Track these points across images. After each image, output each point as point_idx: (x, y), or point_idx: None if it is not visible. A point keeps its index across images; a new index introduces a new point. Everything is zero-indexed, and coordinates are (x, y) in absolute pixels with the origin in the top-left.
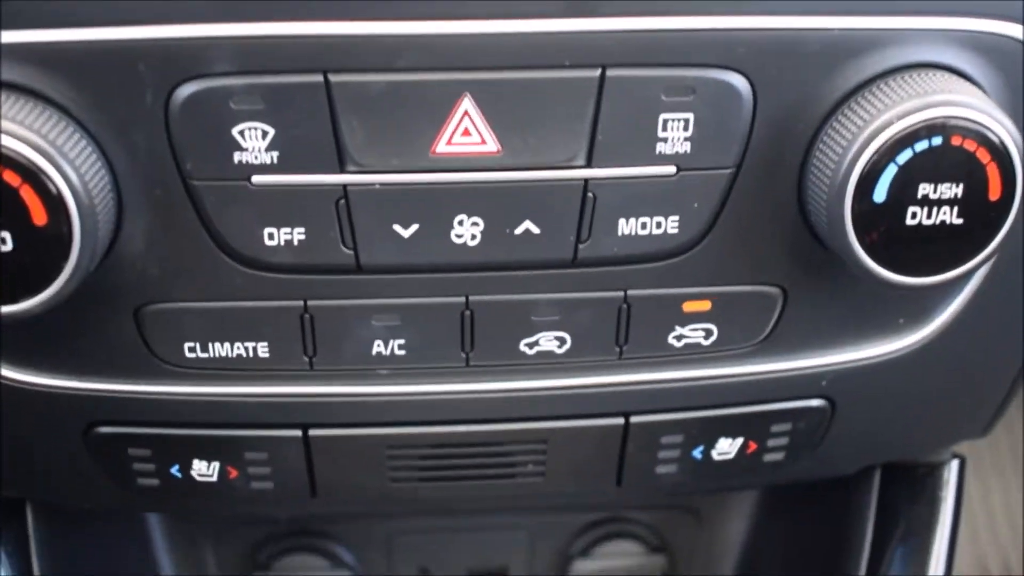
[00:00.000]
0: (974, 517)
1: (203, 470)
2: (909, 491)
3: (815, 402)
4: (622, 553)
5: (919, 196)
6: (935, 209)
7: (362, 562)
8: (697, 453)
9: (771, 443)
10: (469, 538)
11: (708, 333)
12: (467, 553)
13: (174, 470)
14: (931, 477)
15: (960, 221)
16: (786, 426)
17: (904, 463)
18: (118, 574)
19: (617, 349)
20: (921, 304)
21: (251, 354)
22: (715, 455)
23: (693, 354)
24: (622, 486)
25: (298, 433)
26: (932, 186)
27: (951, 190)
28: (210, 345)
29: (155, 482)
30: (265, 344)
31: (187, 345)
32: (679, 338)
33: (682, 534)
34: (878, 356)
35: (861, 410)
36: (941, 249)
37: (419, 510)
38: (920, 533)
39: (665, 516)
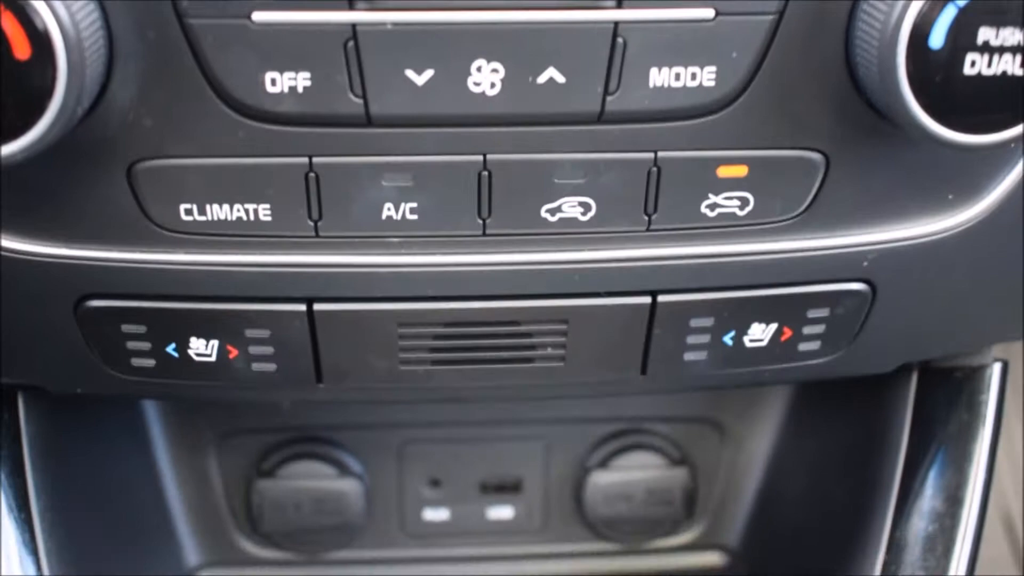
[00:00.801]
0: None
1: (201, 349)
2: (948, 396)
3: (855, 285)
4: (641, 466)
5: (979, 42)
6: (996, 57)
7: (371, 471)
8: (728, 339)
9: (807, 331)
10: (482, 449)
11: (744, 202)
12: (479, 465)
13: (170, 349)
14: (971, 381)
15: (1022, 72)
16: (823, 312)
17: (943, 367)
18: (116, 478)
19: (645, 218)
20: (972, 178)
21: (252, 217)
22: (747, 342)
23: (727, 226)
24: (647, 375)
25: (302, 308)
26: (994, 31)
27: (1014, 36)
28: (208, 207)
29: (150, 363)
30: (267, 206)
31: (183, 207)
32: (712, 207)
33: (704, 448)
34: (924, 236)
35: (902, 297)
36: (1001, 104)
37: (430, 399)
38: (960, 439)
39: (687, 429)
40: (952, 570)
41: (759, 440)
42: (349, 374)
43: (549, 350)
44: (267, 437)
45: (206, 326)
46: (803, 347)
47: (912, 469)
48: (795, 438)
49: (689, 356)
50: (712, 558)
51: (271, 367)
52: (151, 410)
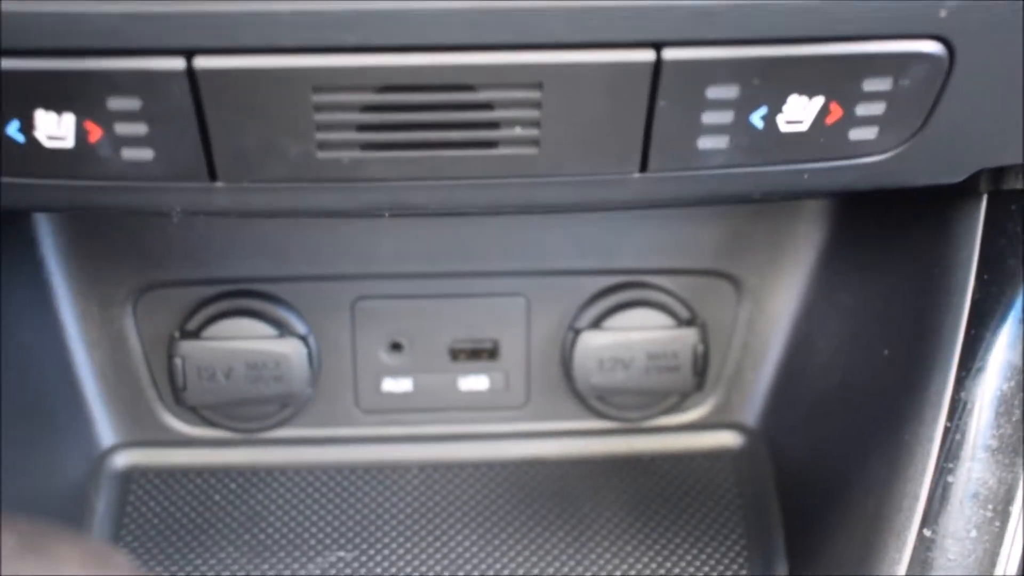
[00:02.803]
0: None
1: (53, 129)
2: None
3: (928, 45)
4: (642, 325)
5: None
6: None
7: (318, 332)
8: (757, 119)
9: (861, 110)
10: (451, 307)
11: None
12: (449, 325)
13: (12, 130)
14: None
15: None
16: (884, 83)
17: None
18: (12, 343)
19: None
20: None
21: None
22: (783, 124)
23: None
24: (648, 171)
25: (180, 63)
26: None
27: None
28: None
29: None
30: None
31: None
32: None
33: (717, 305)
34: None
35: (985, 71)
36: None
37: (365, 210)
38: None
39: (696, 283)
40: None
41: (782, 296)
42: (251, 165)
43: (518, 130)
44: (193, 291)
45: (55, 94)
46: (856, 134)
47: (980, 318)
48: (826, 292)
49: (705, 142)
50: (725, 438)
51: (146, 154)
52: (52, 260)
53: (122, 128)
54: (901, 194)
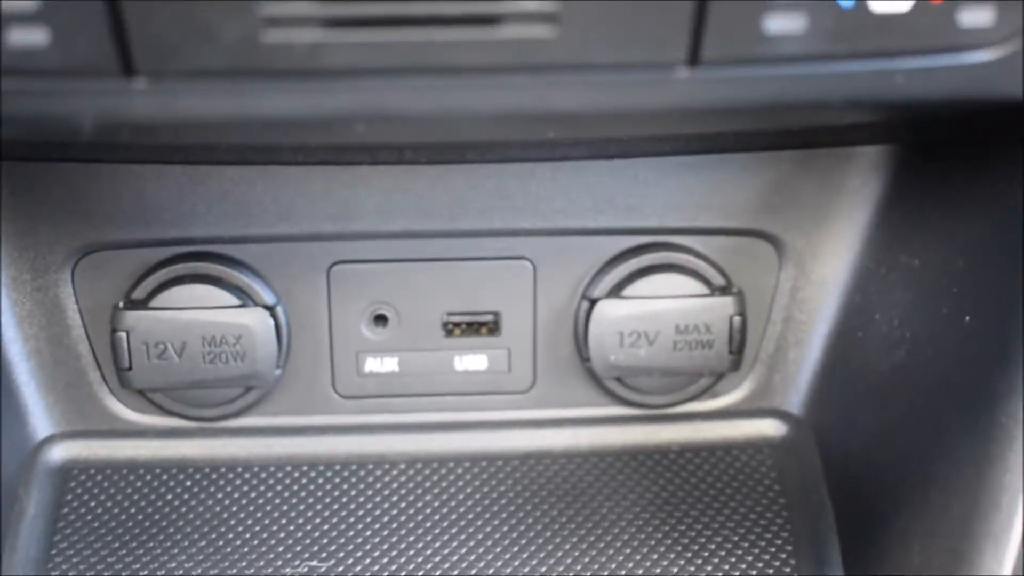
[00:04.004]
0: None
1: None
2: None
3: None
4: (669, 293)
5: None
6: None
7: (288, 302)
8: None
9: None
10: (446, 272)
11: None
12: (442, 294)
13: None
14: None
15: None
16: None
17: None
18: None
19: None
20: None
21: None
22: (874, 4)
23: None
24: (699, 62)
25: None
26: None
27: None
28: None
29: None
30: None
31: None
32: None
33: (757, 271)
34: None
35: None
36: None
37: (328, 111)
38: None
39: (733, 245)
40: None
41: (832, 259)
42: (177, 51)
43: (530, 4)
44: (140, 253)
45: None
46: (967, 18)
47: None
48: (885, 253)
49: (775, 23)
50: (765, 427)
51: (41, 37)
52: None
53: (10, 4)
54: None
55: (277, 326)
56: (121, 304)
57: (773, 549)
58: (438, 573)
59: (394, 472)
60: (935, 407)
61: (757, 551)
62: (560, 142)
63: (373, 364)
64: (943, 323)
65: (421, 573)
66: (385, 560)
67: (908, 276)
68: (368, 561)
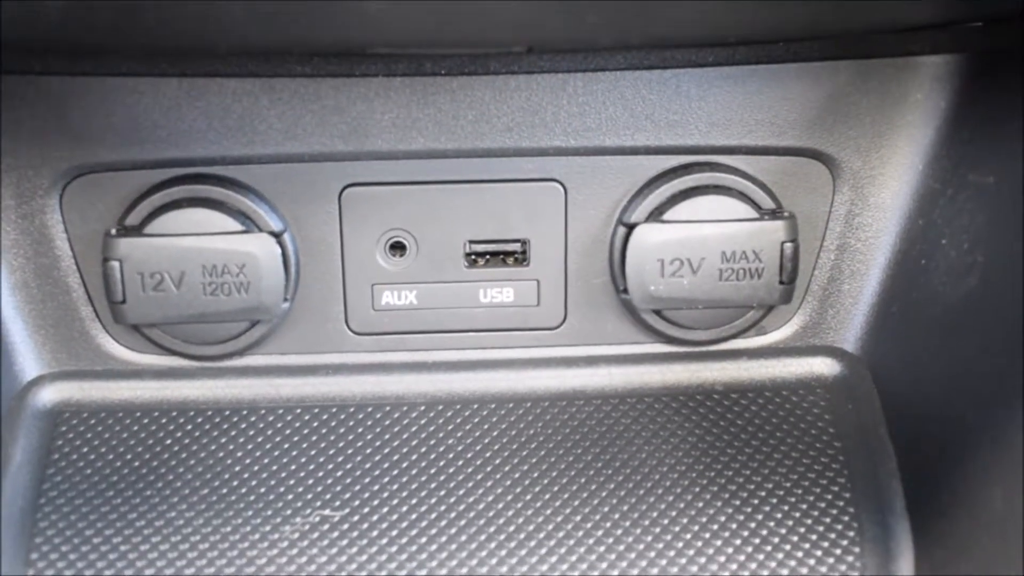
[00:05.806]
0: None
1: None
2: None
3: None
4: (713, 217)
5: None
6: None
7: (296, 229)
8: None
9: None
10: (467, 196)
11: None
12: (465, 220)
13: None
14: None
15: None
16: None
17: None
18: None
19: None
20: None
21: None
22: None
23: None
24: None
25: None
26: None
27: None
28: None
29: None
30: None
31: None
32: None
33: (809, 193)
34: None
35: None
36: None
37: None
38: None
39: (782, 165)
40: None
41: (891, 181)
42: None
43: None
44: (135, 176)
45: None
46: None
47: None
48: (952, 173)
49: None
50: (819, 365)
51: None
52: None
53: None
54: None
55: (284, 254)
56: (113, 231)
57: (830, 496)
58: (462, 523)
59: (413, 414)
60: (1014, 337)
61: (812, 498)
62: (596, 44)
63: (389, 297)
64: (1007, 248)
65: (443, 522)
66: (404, 509)
67: (980, 196)
68: (385, 510)
